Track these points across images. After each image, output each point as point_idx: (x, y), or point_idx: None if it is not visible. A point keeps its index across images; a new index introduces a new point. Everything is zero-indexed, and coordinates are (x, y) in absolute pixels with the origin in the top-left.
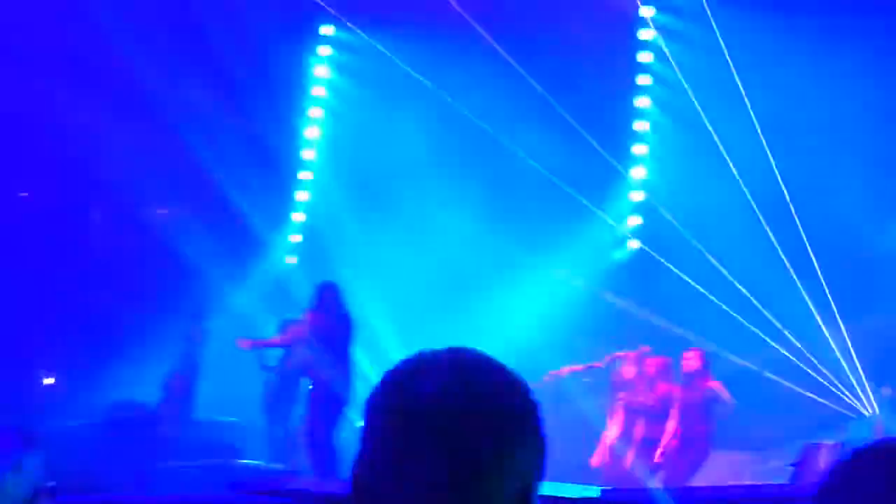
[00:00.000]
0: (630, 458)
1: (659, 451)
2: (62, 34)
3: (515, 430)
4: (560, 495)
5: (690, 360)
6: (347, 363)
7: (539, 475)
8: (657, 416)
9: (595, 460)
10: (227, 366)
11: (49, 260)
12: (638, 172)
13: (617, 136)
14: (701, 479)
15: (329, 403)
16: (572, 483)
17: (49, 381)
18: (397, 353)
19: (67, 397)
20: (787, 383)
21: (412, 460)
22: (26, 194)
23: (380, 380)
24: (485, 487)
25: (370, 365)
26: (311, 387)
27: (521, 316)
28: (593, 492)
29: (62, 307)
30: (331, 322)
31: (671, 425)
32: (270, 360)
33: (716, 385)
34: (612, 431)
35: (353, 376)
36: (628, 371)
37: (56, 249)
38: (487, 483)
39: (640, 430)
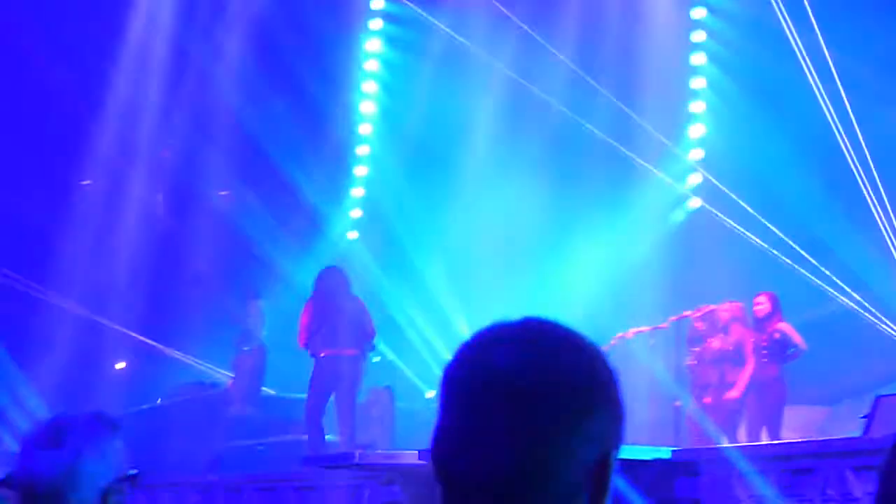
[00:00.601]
0: (708, 411)
1: (736, 392)
2: (115, 16)
3: (592, 398)
4: (631, 457)
5: (761, 305)
6: (353, 347)
7: (617, 441)
8: (733, 361)
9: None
10: (294, 342)
11: (114, 246)
12: (696, 130)
13: (673, 95)
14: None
15: (323, 385)
16: (643, 445)
17: (120, 365)
18: (463, 322)
19: (139, 381)
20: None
21: (488, 432)
22: (89, 182)
23: (454, 353)
24: (562, 457)
25: (437, 336)
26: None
27: (584, 279)
28: (664, 452)
29: (129, 291)
30: (328, 307)
31: (747, 368)
32: None
33: (786, 327)
34: (690, 387)
35: (361, 359)
36: (699, 325)
37: (120, 235)
38: (565, 452)
39: (717, 378)
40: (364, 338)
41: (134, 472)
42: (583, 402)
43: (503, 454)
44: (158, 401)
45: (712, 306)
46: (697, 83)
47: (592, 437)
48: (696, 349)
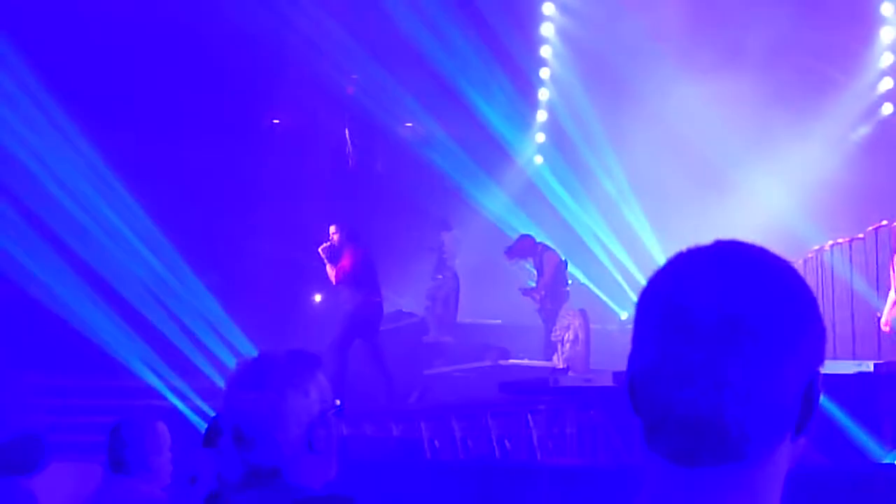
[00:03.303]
0: None
1: None
2: None
3: (796, 321)
4: (834, 372)
5: None
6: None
7: (821, 360)
8: None
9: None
10: (486, 269)
11: (305, 181)
12: (887, 34)
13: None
14: None
15: (353, 327)
16: (844, 359)
17: (318, 298)
18: (653, 240)
19: (334, 313)
20: None
21: (695, 361)
22: (278, 121)
23: (647, 284)
24: (773, 385)
25: (628, 256)
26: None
27: (776, 192)
28: (867, 366)
29: (321, 225)
30: (359, 257)
31: None
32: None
33: None
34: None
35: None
36: None
37: (312, 170)
38: (775, 381)
39: None
40: None
41: (338, 403)
42: (788, 327)
43: (710, 389)
44: None
45: None
46: None
47: (800, 361)
48: None
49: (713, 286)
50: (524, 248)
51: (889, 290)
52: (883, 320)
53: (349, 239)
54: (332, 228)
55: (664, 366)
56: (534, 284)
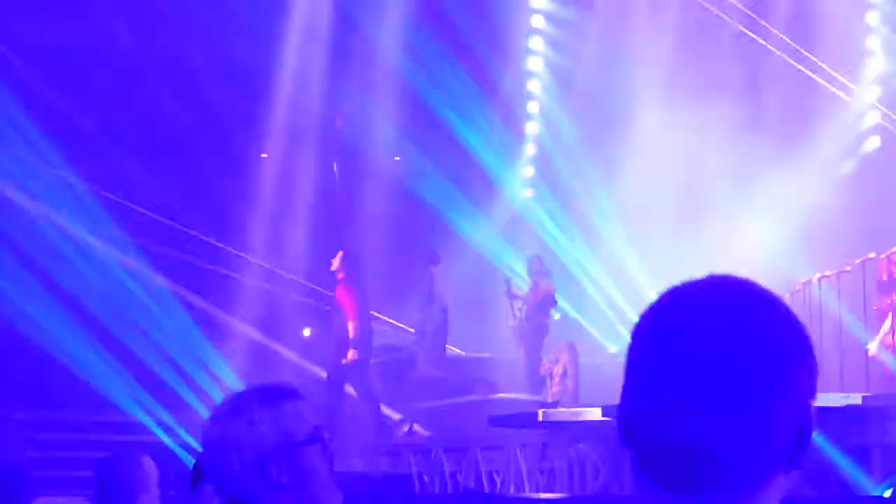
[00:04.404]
0: None
1: None
2: None
3: (791, 357)
4: (822, 405)
5: None
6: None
7: (813, 395)
8: None
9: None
10: (474, 303)
11: (294, 215)
12: (872, 68)
13: (848, 31)
14: None
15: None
16: (832, 392)
17: (307, 332)
18: (643, 274)
19: (322, 347)
20: None
21: (689, 394)
22: (266, 155)
23: (640, 318)
24: (769, 421)
25: (617, 290)
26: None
27: (765, 225)
28: (855, 399)
29: (309, 259)
30: (356, 286)
31: None
32: (518, 291)
33: None
34: (882, 334)
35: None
36: (887, 272)
37: (299, 205)
38: (771, 417)
39: None
40: None
41: (320, 433)
42: (780, 361)
43: (704, 421)
44: None
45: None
46: (871, 18)
47: (795, 397)
48: (888, 300)
49: (706, 321)
50: (532, 266)
51: (877, 322)
52: (873, 347)
53: (345, 268)
54: (338, 255)
55: (658, 399)
56: (524, 293)
